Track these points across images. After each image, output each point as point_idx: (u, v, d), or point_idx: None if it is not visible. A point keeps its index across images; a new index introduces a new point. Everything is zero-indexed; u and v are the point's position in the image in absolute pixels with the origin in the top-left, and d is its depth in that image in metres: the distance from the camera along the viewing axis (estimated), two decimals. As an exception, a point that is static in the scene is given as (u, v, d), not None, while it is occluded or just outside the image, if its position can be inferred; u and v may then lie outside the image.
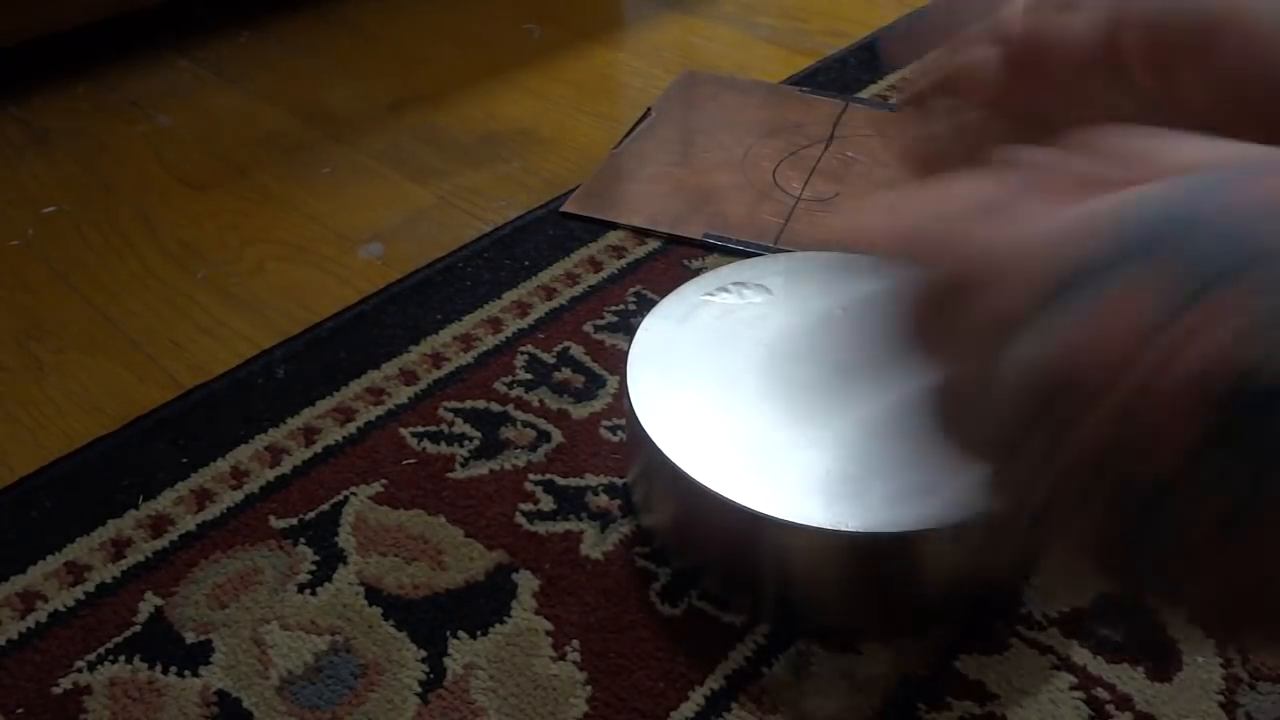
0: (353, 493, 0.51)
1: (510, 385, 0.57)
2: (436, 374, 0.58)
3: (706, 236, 0.68)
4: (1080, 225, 0.21)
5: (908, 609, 0.44)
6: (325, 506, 0.51)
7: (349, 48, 0.95)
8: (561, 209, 0.71)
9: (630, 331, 0.61)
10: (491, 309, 0.63)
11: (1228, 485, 0.18)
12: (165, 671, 0.44)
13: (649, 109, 0.83)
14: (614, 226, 0.70)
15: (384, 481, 0.52)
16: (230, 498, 0.51)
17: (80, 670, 0.44)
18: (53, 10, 0.85)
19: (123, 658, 0.44)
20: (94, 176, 0.77)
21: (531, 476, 0.52)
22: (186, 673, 0.44)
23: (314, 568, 0.48)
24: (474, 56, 0.94)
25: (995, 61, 0.30)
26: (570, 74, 0.91)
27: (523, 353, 0.60)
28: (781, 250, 0.67)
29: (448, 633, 0.45)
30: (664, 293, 0.53)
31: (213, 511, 0.50)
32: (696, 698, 0.43)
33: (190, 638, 0.45)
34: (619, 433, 0.54)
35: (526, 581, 0.47)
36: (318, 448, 0.54)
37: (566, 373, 0.58)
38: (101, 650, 0.45)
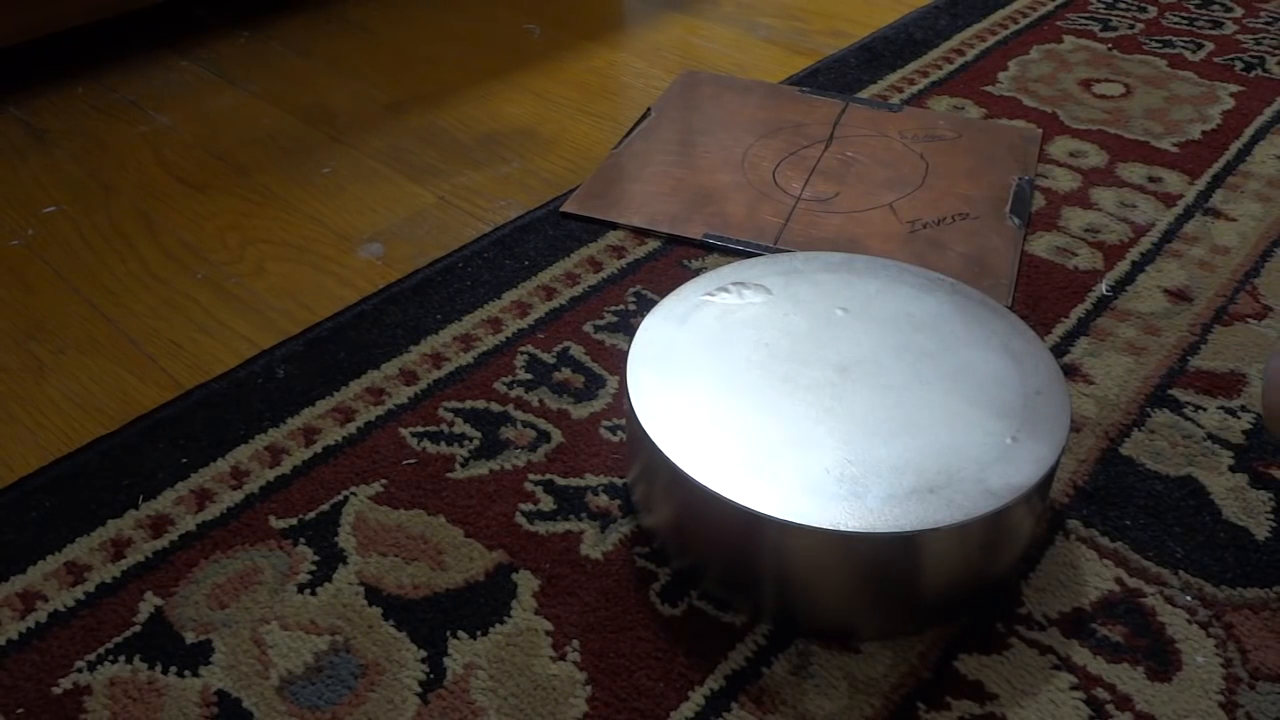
0: (353, 493, 0.51)
1: (510, 385, 0.57)
2: (436, 374, 0.58)
3: (706, 236, 0.68)
4: None
5: (908, 609, 0.44)
6: (325, 506, 0.51)
7: (349, 48, 0.96)
8: (561, 209, 0.71)
9: (630, 331, 0.61)
10: (491, 309, 0.63)
11: None
12: (165, 671, 0.44)
13: (649, 109, 0.83)
14: (614, 226, 0.70)
15: (384, 481, 0.52)
16: (230, 498, 0.51)
17: (80, 670, 0.44)
18: (53, 10, 0.85)
19: (123, 658, 0.44)
20: (94, 176, 0.77)
21: (531, 476, 0.52)
22: (186, 673, 0.44)
23: (314, 568, 0.48)
24: (474, 56, 0.94)
25: None
26: (570, 74, 0.91)
27: (523, 353, 0.60)
28: (781, 250, 0.67)
29: (448, 633, 0.45)
30: (664, 293, 0.53)
31: (213, 511, 0.50)
32: (696, 698, 0.43)
33: (190, 638, 0.45)
34: (619, 433, 0.54)
35: (526, 581, 0.47)
36: (318, 448, 0.54)
37: (566, 373, 0.58)
38: (101, 650, 0.45)
